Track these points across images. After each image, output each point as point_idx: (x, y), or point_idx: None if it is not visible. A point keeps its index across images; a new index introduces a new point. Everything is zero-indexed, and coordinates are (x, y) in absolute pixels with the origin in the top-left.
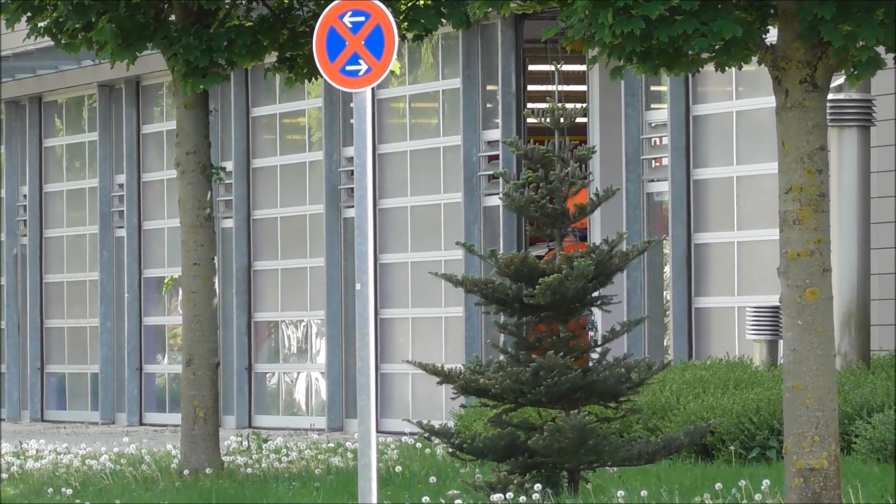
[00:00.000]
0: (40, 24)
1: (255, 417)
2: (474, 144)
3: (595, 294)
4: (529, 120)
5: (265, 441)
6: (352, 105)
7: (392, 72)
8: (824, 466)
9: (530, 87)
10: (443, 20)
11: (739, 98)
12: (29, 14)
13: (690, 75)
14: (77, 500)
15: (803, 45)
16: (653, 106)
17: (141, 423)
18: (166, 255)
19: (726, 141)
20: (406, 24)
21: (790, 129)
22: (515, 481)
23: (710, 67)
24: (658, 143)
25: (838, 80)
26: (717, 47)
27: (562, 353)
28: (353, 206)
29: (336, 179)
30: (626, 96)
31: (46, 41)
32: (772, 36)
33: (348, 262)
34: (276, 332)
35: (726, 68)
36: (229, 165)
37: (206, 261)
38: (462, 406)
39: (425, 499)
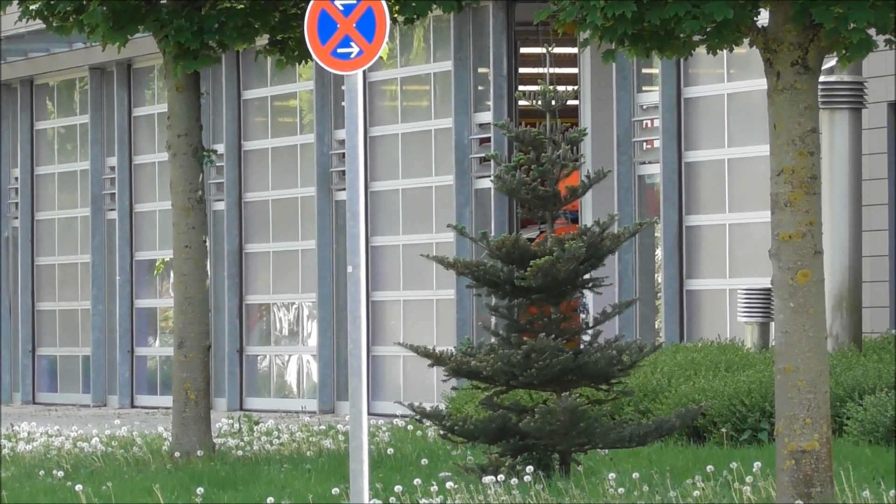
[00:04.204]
0: (31, 7)
1: (246, 400)
2: (466, 127)
3: (586, 276)
4: (521, 102)
5: (256, 423)
6: (343, 88)
7: (380, 57)
8: (816, 448)
9: (522, 70)
10: (434, 3)
11: (731, 80)
12: None
13: (682, 58)
14: (68, 483)
15: (795, 27)
16: (644, 88)
17: (132, 406)
18: (158, 237)
19: (718, 123)
20: (397, 6)
21: (782, 111)
22: (507, 463)
23: (701, 50)
24: (649, 125)
25: (830, 62)
26: (708, 30)
27: (553, 336)
28: (344, 189)
29: (327, 162)
30: (618, 79)
31: (38, 24)
32: (763, 18)
33: (340, 245)
34: (268, 315)
35: (718, 51)
36: (221, 148)
37: (198, 243)
38: (453, 388)
39: (417, 481)
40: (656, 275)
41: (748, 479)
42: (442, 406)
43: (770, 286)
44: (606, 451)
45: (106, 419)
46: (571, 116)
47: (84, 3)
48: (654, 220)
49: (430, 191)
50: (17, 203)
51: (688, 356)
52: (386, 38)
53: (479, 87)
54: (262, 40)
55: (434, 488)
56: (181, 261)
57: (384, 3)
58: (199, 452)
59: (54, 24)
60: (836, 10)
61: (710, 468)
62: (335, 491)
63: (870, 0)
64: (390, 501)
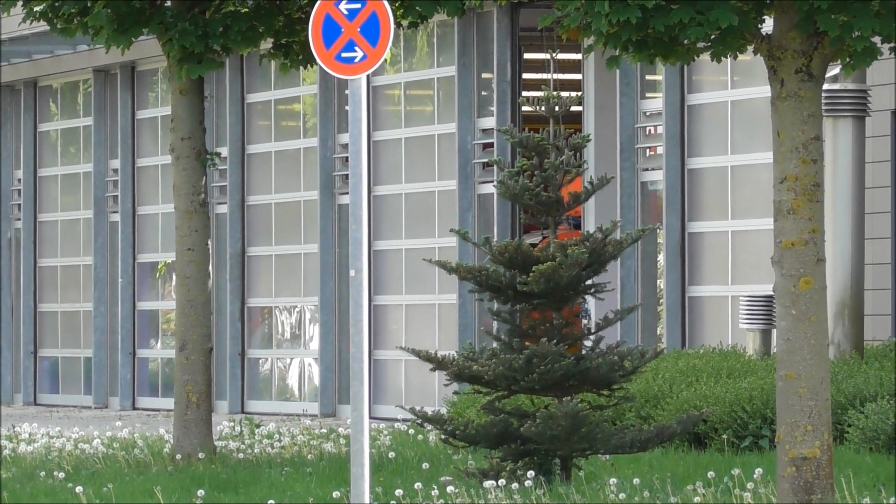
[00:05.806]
0: (36, 9)
1: (247, 403)
2: (469, 132)
3: (589, 282)
4: (524, 108)
5: (258, 426)
6: (347, 92)
7: (385, 60)
8: (817, 455)
9: (525, 76)
10: (438, 7)
11: (734, 87)
12: None
13: (685, 64)
14: (69, 484)
15: (799, 34)
16: (648, 95)
17: (134, 408)
18: (160, 240)
19: (721, 130)
20: (401, 11)
21: (785, 118)
22: (508, 468)
23: (705, 57)
24: (653, 131)
25: (834, 70)
26: (713, 36)
27: (555, 341)
28: (347, 193)
29: (331, 166)
30: (622, 85)
31: (42, 26)
32: (768, 25)
33: (342, 249)
34: (270, 318)
35: (722, 58)
36: (224, 151)
37: (201, 246)
38: (455, 393)
39: (418, 485)
40: (658, 281)
41: (749, 485)
42: (443, 410)
43: (772, 293)
44: (607, 456)
45: (107, 421)
46: (575, 122)
47: (88, 5)
48: (657, 226)
49: (433, 195)
50: (19, 204)
51: (689, 362)
52: (390, 43)
53: (483, 93)
54: (267, 44)
55: (435, 492)
56: (184, 263)
57: (388, 8)
58: (200, 455)
59: (58, 26)
60: (841, 17)
61: (711, 474)
62: (336, 494)
63: (874, 8)
64: None
